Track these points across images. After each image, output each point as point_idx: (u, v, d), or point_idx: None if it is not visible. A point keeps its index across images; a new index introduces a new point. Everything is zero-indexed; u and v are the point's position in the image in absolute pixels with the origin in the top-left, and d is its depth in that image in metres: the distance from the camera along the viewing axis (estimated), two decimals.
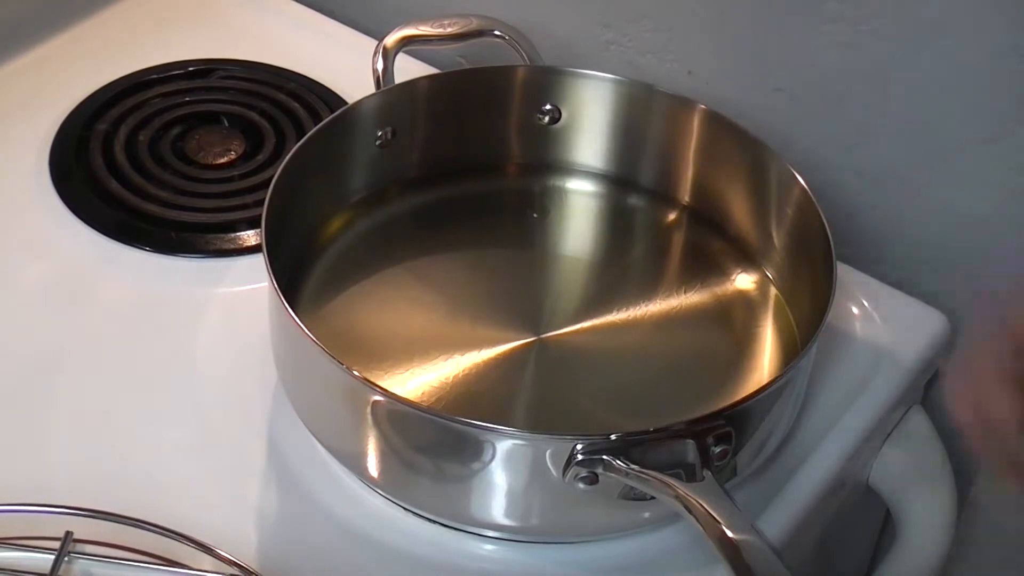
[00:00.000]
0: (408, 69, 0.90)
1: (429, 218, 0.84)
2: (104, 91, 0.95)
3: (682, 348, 0.77)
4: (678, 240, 0.84)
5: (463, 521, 0.70)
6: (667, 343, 0.78)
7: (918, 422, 0.84)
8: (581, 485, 0.64)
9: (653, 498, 0.63)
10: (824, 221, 0.74)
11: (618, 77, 0.83)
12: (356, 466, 0.70)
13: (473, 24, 0.85)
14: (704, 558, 0.68)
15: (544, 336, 0.76)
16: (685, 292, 0.80)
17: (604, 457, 0.63)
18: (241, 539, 0.69)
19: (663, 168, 0.85)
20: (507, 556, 0.70)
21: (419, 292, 0.79)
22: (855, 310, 0.84)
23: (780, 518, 0.72)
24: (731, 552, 0.59)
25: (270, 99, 0.96)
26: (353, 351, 0.73)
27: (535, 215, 0.86)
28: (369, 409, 0.66)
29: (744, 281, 0.81)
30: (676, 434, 0.63)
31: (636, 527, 0.71)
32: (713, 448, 0.64)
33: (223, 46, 1.00)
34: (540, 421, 0.72)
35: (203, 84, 0.97)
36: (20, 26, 0.99)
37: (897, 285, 0.86)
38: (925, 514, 0.83)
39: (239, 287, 0.83)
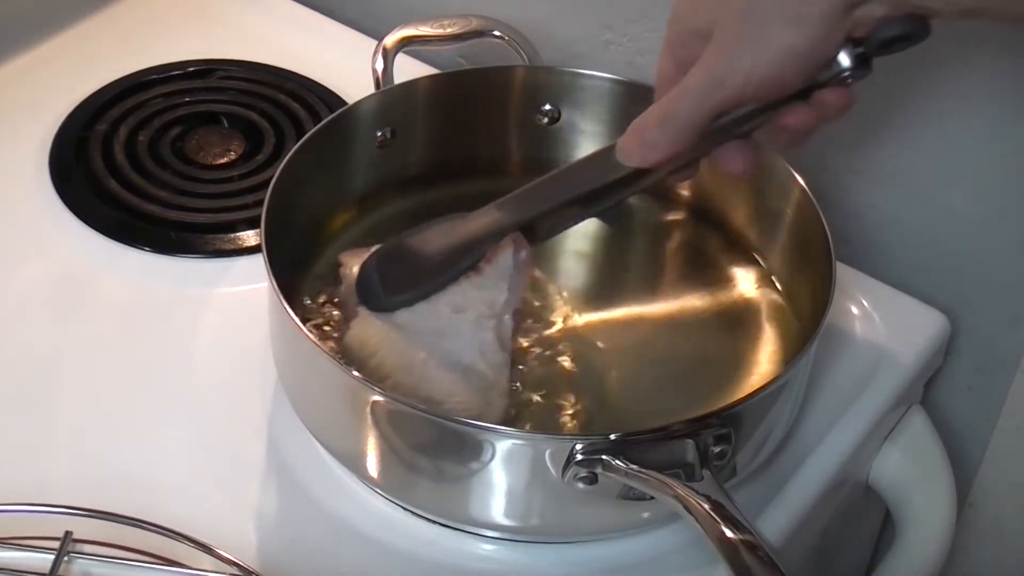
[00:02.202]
0: (408, 69, 0.90)
1: (428, 218, 0.83)
2: (104, 91, 0.95)
3: (682, 348, 0.77)
4: (678, 240, 0.83)
5: (463, 521, 0.70)
6: (667, 343, 0.78)
7: (918, 422, 0.84)
8: (580, 485, 0.64)
9: (652, 498, 0.63)
10: (824, 221, 0.74)
11: (618, 77, 0.83)
12: (356, 466, 0.70)
13: (473, 24, 0.85)
14: (703, 558, 0.68)
15: (543, 335, 0.76)
16: (685, 292, 0.80)
17: (603, 457, 0.63)
18: (241, 539, 0.69)
19: None
20: (507, 556, 0.70)
21: None
22: (855, 310, 0.84)
23: (780, 518, 0.72)
24: (730, 552, 0.59)
25: (270, 99, 0.96)
26: None
27: None
28: (369, 409, 0.66)
29: (744, 281, 0.81)
30: (675, 434, 0.63)
31: (636, 527, 0.71)
32: (712, 448, 0.64)
33: (223, 46, 1.00)
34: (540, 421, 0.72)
35: (203, 84, 0.97)
36: (20, 26, 1.00)
37: (897, 285, 0.86)
38: (925, 514, 0.83)
39: (239, 287, 0.83)
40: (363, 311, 0.71)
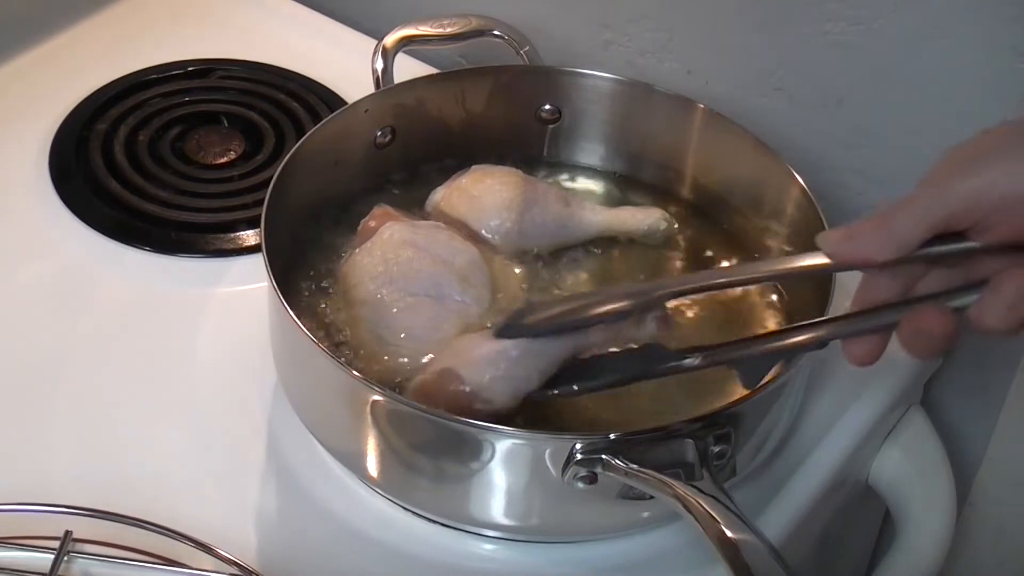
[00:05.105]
0: (408, 69, 0.90)
1: (428, 218, 0.84)
2: (104, 91, 0.96)
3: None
4: (678, 239, 0.83)
5: (463, 521, 0.70)
6: (667, 342, 0.77)
7: (918, 422, 0.84)
8: (580, 484, 0.64)
9: (652, 497, 0.63)
10: (824, 221, 0.74)
11: (618, 77, 0.83)
12: (356, 466, 0.70)
13: (473, 24, 0.85)
14: (703, 558, 0.68)
15: None
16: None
17: (603, 456, 0.63)
18: (241, 539, 0.69)
19: (663, 168, 0.85)
20: (507, 556, 0.70)
21: None
22: None
23: (780, 517, 0.72)
24: (730, 551, 0.59)
25: (270, 99, 0.96)
26: None
27: None
28: (369, 409, 0.66)
29: None
30: (675, 433, 0.63)
31: (635, 526, 0.71)
32: (712, 448, 0.64)
33: (223, 46, 1.01)
34: (539, 421, 0.72)
35: (203, 84, 0.97)
36: (20, 26, 1.00)
37: None
38: (925, 514, 0.83)
39: (239, 287, 0.83)
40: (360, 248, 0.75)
